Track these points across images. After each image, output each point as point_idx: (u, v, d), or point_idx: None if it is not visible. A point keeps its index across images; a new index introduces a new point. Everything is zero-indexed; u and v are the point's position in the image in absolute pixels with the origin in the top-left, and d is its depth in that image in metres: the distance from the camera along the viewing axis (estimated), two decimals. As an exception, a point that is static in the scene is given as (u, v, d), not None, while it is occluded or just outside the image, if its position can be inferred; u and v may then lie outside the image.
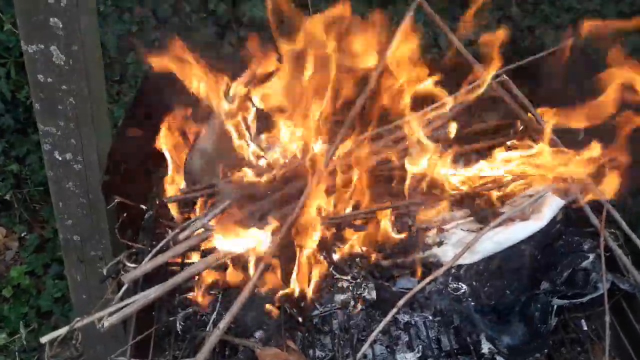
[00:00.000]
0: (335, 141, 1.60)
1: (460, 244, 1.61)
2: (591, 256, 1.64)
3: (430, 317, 1.61)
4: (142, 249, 1.72)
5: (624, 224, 1.75)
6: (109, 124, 2.13)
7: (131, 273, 1.51)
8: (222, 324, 1.44)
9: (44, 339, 1.52)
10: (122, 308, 1.48)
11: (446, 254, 1.62)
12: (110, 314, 1.44)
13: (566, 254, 1.67)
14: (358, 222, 1.66)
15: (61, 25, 1.85)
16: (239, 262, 1.56)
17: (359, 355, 1.53)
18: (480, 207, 1.70)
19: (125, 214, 1.72)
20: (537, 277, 1.61)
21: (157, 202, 1.79)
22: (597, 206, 1.77)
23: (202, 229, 1.60)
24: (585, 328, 1.58)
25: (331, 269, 1.64)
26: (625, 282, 1.62)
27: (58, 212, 2.15)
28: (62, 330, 1.51)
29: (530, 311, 1.56)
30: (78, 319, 1.50)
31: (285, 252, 1.58)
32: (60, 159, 2.03)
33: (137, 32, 3.02)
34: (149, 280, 1.62)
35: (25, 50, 1.89)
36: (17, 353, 2.84)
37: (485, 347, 1.52)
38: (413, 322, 1.61)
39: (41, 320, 3.14)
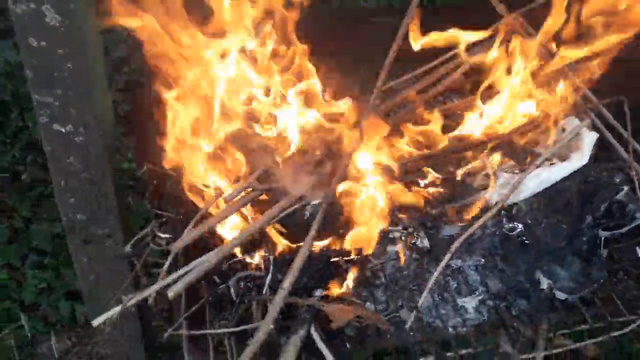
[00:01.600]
0: (375, 88, 1.53)
1: (506, 186, 1.59)
2: (625, 188, 1.66)
3: (483, 261, 1.59)
4: (171, 216, 1.60)
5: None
6: (107, 89, 1.97)
7: (180, 241, 1.40)
8: (286, 283, 1.37)
9: (95, 322, 1.40)
10: (176, 280, 1.37)
11: (493, 196, 1.60)
12: (165, 286, 1.34)
13: (600, 189, 1.69)
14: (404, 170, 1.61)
15: (54, -20, 1.67)
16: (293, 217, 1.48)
17: (420, 302, 1.50)
18: (518, 149, 1.69)
19: (157, 183, 1.59)
20: (582, 211, 1.62)
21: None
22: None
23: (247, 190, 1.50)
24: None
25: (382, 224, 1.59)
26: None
27: (59, 191, 1.98)
28: (114, 311, 1.39)
29: (582, 244, 1.58)
30: (130, 295, 1.38)
31: (336, 207, 1.52)
32: (61, 131, 1.86)
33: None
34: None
35: (12, 10, 1.69)
36: (14, 349, 2.66)
37: (544, 283, 1.53)
38: (466, 267, 1.59)
39: (29, 314, 2.95)
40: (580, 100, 1.83)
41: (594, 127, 1.79)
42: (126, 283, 1.63)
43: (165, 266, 1.44)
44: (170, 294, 1.33)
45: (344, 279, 1.51)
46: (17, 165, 3.24)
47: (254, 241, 1.57)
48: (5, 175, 3.24)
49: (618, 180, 1.70)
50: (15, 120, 3.17)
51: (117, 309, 1.39)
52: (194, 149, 1.64)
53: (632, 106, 1.76)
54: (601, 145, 1.81)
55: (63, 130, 1.86)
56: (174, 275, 1.38)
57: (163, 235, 1.55)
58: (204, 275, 1.38)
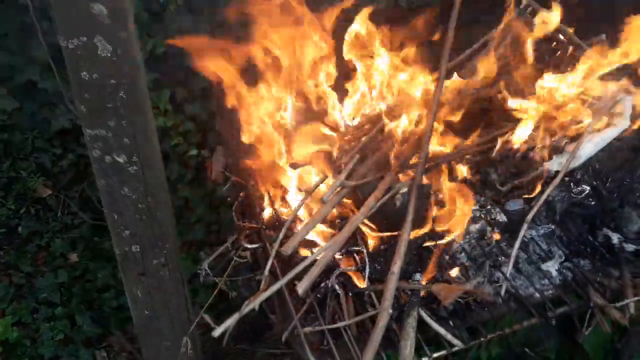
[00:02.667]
0: (439, 77, 1.62)
1: (563, 154, 1.72)
2: (658, 146, 1.83)
3: (553, 227, 1.71)
4: (257, 227, 1.63)
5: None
6: (152, 116, 1.97)
7: (290, 241, 1.43)
8: (395, 269, 1.43)
9: (216, 332, 1.39)
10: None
11: (553, 165, 1.72)
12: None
13: (638, 149, 1.85)
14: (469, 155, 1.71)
15: (106, 12, 1.68)
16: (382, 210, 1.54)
17: (508, 272, 1.59)
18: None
19: (243, 195, 1.61)
20: (630, 169, 1.77)
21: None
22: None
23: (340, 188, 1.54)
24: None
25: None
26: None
27: (113, 225, 1.95)
28: (233, 319, 1.39)
29: (637, 198, 1.72)
30: (247, 302, 1.39)
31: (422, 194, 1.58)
32: (113, 163, 1.84)
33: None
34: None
35: (65, 46, 1.69)
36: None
37: (615, 237, 1.65)
38: (541, 236, 1.70)
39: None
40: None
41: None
42: (209, 300, 1.62)
43: (267, 269, 1.46)
44: (300, 290, 1.36)
45: (437, 262, 1.58)
46: (12, 219, 3.12)
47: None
48: (2, 230, 3.11)
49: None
50: (7, 172, 3.06)
51: (235, 316, 1.39)
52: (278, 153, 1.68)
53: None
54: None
55: (117, 162, 1.85)
56: (284, 280, 1.40)
57: (250, 246, 1.57)
58: (325, 269, 1.41)
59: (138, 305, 2.12)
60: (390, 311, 1.37)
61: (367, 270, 1.53)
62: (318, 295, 1.51)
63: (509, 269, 1.59)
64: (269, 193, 1.67)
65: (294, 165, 1.67)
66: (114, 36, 1.71)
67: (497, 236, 1.67)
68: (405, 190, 1.54)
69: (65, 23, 1.66)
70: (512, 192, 1.73)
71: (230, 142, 1.68)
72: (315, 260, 1.41)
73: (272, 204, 1.66)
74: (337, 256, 1.58)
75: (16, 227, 3.13)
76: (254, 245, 1.58)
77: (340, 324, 1.44)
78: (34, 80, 2.76)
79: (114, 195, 1.90)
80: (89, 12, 1.66)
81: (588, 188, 1.72)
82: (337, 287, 1.50)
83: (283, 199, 1.70)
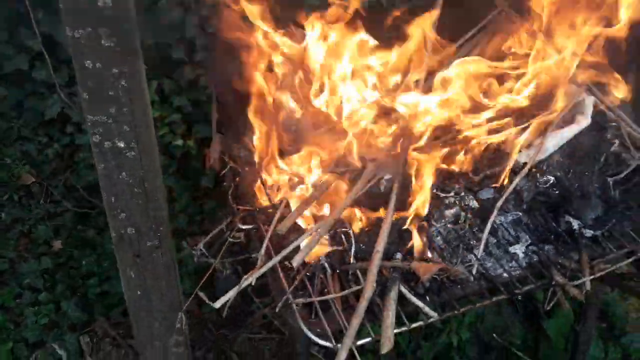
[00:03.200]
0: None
1: (530, 148, 1.90)
2: (616, 142, 2.03)
3: (521, 214, 1.88)
4: (251, 210, 1.75)
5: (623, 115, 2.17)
6: (150, 106, 2.07)
7: (285, 221, 1.56)
8: (379, 247, 1.57)
9: (217, 304, 1.51)
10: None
11: (522, 157, 1.90)
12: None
13: (597, 145, 2.04)
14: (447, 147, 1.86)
15: (110, 4, 1.78)
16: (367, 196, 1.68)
17: (479, 253, 1.75)
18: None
19: (237, 180, 1.73)
20: (590, 163, 1.96)
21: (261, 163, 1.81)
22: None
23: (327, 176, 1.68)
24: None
25: (435, 190, 1.83)
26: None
27: (110, 207, 2.04)
28: (233, 292, 1.51)
29: (596, 189, 1.91)
30: (245, 277, 1.52)
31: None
32: (112, 148, 1.94)
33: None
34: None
35: (71, 36, 1.78)
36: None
37: (575, 224, 1.83)
38: (510, 221, 1.87)
39: (36, 352, 2.90)
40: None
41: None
42: (207, 275, 1.73)
43: (264, 248, 1.58)
44: (294, 263, 1.49)
45: (415, 242, 1.73)
46: (-5, 206, 3.16)
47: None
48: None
49: (609, 135, 2.06)
50: (-13, 159, 3.11)
51: (235, 289, 1.51)
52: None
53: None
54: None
55: (116, 147, 1.94)
56: (278, 257, 1.53)
57: (244, 227, 1.69)
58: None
59: (131, 286, 2.21)
60: (374, 285, 1.51)
61: (353, 249, 1.67)
62: (307, 274, 1.64)
63: (479, 251, 1.76)
64: (262, 179, 1.79)
65: (287, 153, 1.80)
66: (117, 27, 1.81)
67: (470, 221, 1.82)
68: (389, 177, 1.69)
69: (72, 14, 1.76)
70: (484, 181, 1.89)
71: (228, 130, 1.80)
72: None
73: (265, 189, 1.78)
74: (326, 237, 1.71)
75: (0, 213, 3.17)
76: (248, 226, 1.69)
77: (328, 297, 1.58)
78: (23, 69, 2.81)
79: (112, 179, 2.00)
80: (95, 4, 1.76)
81: (552, 178, 1.90)
82: (325, 264, 1.63)
83: (276, 184, 1.82)
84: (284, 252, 1.51)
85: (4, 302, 2.98)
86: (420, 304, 1.56)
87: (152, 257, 2.15)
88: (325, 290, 1.67)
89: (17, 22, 2.75)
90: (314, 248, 1.54)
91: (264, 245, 1.57)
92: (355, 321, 1.43)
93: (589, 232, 1.83)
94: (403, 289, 1.60)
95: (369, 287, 1.49)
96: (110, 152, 1.96)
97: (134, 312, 2.27)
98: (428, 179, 1.75)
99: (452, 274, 1.63)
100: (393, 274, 1.62)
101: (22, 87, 2.94)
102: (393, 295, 1.56)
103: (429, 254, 1.69)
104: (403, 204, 1.74)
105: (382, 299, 1.57)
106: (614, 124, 2.08)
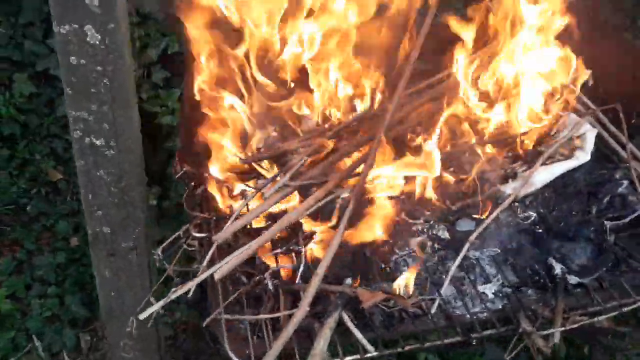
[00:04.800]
0: (394, 95, 1.68)
1: (519, 180, 1.74)
2: (625, 182, 1.83)
3: (499, 250, 1.72)
4: (208, 218, 1.70)
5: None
6: (136, 108, 2.09)
7: (223, 232, 1.50)
8: (320, 270, 1.47)
9: (142, 316, 1.47)
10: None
11: (507, 188, 1.74)
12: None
13: (602, 183, 1.84)
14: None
15: (97, 3, 1.81)
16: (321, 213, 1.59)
17: (443, 290, 1.61)
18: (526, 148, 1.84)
19: (193, 185, 1.69)
20: (587, 203, 1.77)
21: (220, 171, 1.77)
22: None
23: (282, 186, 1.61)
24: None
25: (404, 214, 1.71)
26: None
27: (87, 204, 2.06)
28: (159, 304, 1.46)
29: (589, 232, 1.72)
30: (174, 289, 1.46)
31: (361, 203, 1.63)
32: (92, 145, 1.96)
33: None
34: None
35: (57, 31, 1.83)
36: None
37: (558, 268, 1.65)
38: (485, 257, 1.71)
39: (33, 343, 2.96)
40: (580, 107, 2.01)
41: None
42: (156, 285, 1.70)
43: (207, 259, 1.52)
44: (217, 275, 1.42)
45: (373, 269, 1.62)
46: (22, 197, 3.30)
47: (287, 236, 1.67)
48: (10, 207, 3.29)
49: (618, 176, 1.86)
50: (23, 153, 3.25)
51: (162, 302, 1.46)
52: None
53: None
54: (600, 147, 1.99)
55: (95, 144, 1.97)
56: (215, 267, 1.46)
57: (199, 235, 1.64)
58: (245, 260, 1.47)
59: (105, 286, 2.21)
60: (307, 309, 1.41)
61: (302, 268, 1.58)
62: (252, 289, 1.57)
63: (444, 286, 1.61)
64: (220, 185, 1.75)
65: (245, 160, 1.74)
66: (102, 26, 1.84)
67: (439, 253, 1.69)
68: (346, 195, 1.60)
69: (59, 9, 1.80)
70: (463, 211, 1.75)
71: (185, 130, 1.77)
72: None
73: (222, 196, 1.74)
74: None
75: (25, 205, 3.30)
76: (201, 235, 1.65)
77: (260, 317, 1.49)
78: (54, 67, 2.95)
79: (90, 176, 2.02)
80: (82, 1, 1.80)
81: (534, 215, 1.73)
82: (269, 283, 1.55)
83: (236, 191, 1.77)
84: (215, 267, 1.44)
85: (15, 291, 3.07)
86: (359, 335, 1.44)
87: (127, 258, 2.14)
88: (276, 307, 1.59)
89: (51, 23, 2.88)
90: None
91: (208, 255, 1.51)
92: (278, 343, 1.34)
93: (574, 279, 1.64)
94: (345, 317, 1.49)
95: (300, 312, 1.39)
96: (89, 149, 1.98)
97: (106, 312, 2.26)
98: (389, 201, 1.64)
99: (399, 304, 1.50)
100: (337, 299, 1.52)
101: (54, 85, 3.08)
102: (330, 322, 1.46)
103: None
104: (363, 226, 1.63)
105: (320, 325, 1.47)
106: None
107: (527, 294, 1.66)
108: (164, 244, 1.72)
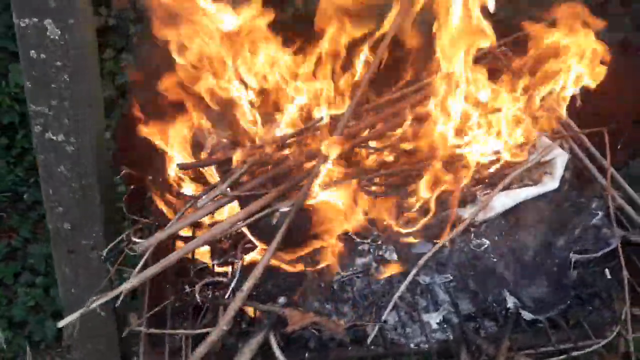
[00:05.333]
0: (348, 109, 1.59)
1: (476, 203, 1.62)
2: (600, 214, 1.68)
3: (451, 277, 1.61)
4: (149, 224, 1.65)
5: (625, 184, 1.81)
6: (102, 106, 2.05)
7: (145, 241, 1.44)
8: (245, 287, 1.39)
9: (60, 324, 1.43)
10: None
11: (465, 212, 1.63)
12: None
13: (576, 213, 1.70)
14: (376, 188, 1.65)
15: (55, -3, 1.78)
16: (258, 226, 1.52)
17: (384, 317, 1.51)
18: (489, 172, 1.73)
19: (131, 187, 1.64)
20: (553, 233, 1.64)
21: (164, 174, 1.71)
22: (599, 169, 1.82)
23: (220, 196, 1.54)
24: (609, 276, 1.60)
25: (351, 233, 1.62)
26: (636, 235, 1.66)
27: (47, 199, 2.04)
28: (77, 314, 1.42)
29: (550, 265, 1.58)
30: (94, 297, 1.41)
31: (303, 218, 1.55)
32: (51, 140, 1.93)
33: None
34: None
35: (17, 24, 1.81)
36: (-4, 363, 2.67)
37: (510, 301, 1.53)
38: (435, 284, 1.60)
39: (15, 331, 2.97)
40: (561, 128, 1.88)
41: (574, 155, 1.82)
42: (99, 288, 1.66)
43: (137, 269, 1.47)
44: (128, 286, 1.37)
45: (309, 289, 1.53)
46: (20, 186, 3.33)
47: (227, 248, 1.60)
48: (7, 194, 3.32)
49: (594, 205, 1.72)
50: (21, 142, 3.28)
51: (80, 311, 1.42)
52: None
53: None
54: (580, 173, 1.85)
55: (55, 139, 1.94)
56: (142, 276, 1.41)
57: (138, 240, 1.59)
58: (161, 273, 1.41)
59: (65, 283, 2.19)
60: (225, 328, 1.34)
61: (234, 283, 1.50)
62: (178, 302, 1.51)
63: (386, 312, 1.51)
64: (164, 189, 1.69)
65: (183, 166, 1.68)
66: (62, 21, 1.81)
67: (383, 274, 1.59)
68: (286, 210, 1.51)
69: (19, 2, 1.78)
70: (417, 233, 1.64)
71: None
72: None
73: (162, 201, 1.68)
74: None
75: (22, 194, 3.33)
76: (141, 240, 1.59)
77: (180, 332, 1.43)
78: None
79: (50, 171, 1.99)
80: (41, -5, 1.77)
81: (487, 243, 1.60)
82: (197, 297, 1.49)
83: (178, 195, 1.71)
84: (134, 280, 1.39)
85: (4, 277, 3.10)
86: (281, 358, 1.36)
87: (87, 256, 2.12)
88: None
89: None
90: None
91: (140, 264, 1.46)
92: (189, 362, 1.27)
93: (528, 315, 1.51)
94: (272, 339, 1.40)
95: (216, 331, 1.32)
96: (49, 144, 1.95)
97: (67, 310, 2.24)
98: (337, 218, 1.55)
99: (325, 328, 1.41)
100: (265, 320, 1.44)
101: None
102: (252, 343, 1.38)
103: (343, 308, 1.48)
104: (299, 244, 1.55)
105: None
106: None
107: (475, 326, 1.53)
108: (109, 247, 1.67)
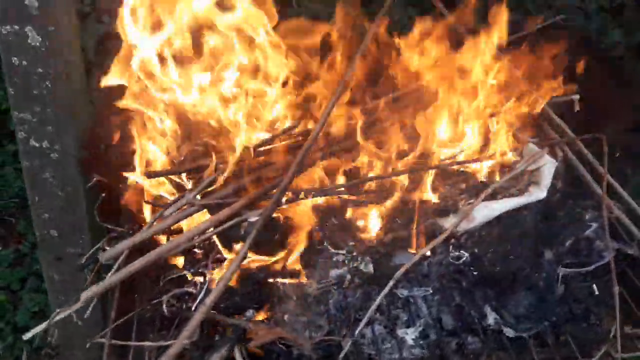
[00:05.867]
0: (324, 113, 1.53)
1: (458, 213, 1.54)
2: (594, 225, 1.58)
3: (431, 291, 1.53)
4: (124, 232, 1.62)
5: (625, 194, 1.70)
6: (88, 113, 2.04)
7: (110, 250, 1.41)
8: (208, 300, 1.35)
9: (25, 336, 1.41)
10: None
11: (446, 223, 1.55)
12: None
13: (568, 224, 1.61)
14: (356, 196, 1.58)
15: (37, 5, 1.77)
16: (226, 236, 1.47)
17: (357, 333, 1.44)
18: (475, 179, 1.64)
19: (104, 196, 1.62)
20: (541, 246, 1.54)
21: (137, 182, 1.68)
22: (596, 178, 1.72)
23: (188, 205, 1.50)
24: (597, 292, 1.50)
25: (326, 243, 1.56)
26: (631, 248, 1.56)
27: (34, 206, 2.04)
28: (42, 326, 1.40)
29: (536, 279, 1.49)
30: (58, 310, 1.39)
31: (275, 227, 1.50)
32: (36, 147, 1.93)
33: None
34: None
35: (-1, 31, 1.80)
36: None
37: (491, 317, 1.44)
38: (413, 297, 1.52)
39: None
40: (556, 135, 1.78)
41: (569, 163, 1.73)
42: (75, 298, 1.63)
43: (109, 275, 1.44)
44: (88, 294, 1.34)
45: (280, 301, 1.47)
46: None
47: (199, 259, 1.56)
48: (15, 200, 3.36)
49: (588, 216, 1.62)
50: (29, 149, 3.30)
51: (45, 324, 1.40)
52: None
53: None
54: (576, 182, 1.75)
55: (39, 146, 1.93)
56: (101, 285, 1.38)
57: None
58: (122, 281, 1.38)
59: (54, 290, 2.19)
60: (186, 341, 1.29)
61: (202, 295, 1.46)
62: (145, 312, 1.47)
63: (360, 326, 1.44)
64: (138, 197, 1.66)
65: (151, 174, 1.64)
66: (43, 28, 1.81)
67: (360, 288, 1.52)
68: (255, 219, 1.46)
69: (0, 9, 1.78)
70: (397, 243, 1.57)
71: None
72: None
73: (134, 211, 1.65)
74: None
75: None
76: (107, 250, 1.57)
77: (144, 344, 1.39)
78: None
79: (36, 178, 1.99)
80: (22, 2, 1.77)
81: (466, 255, 1.51)
82: (164, 307, 1.45)
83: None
84: (98, 287, 1.36)
85: (10, 284, 3.12)
86: (246, 375, 1.31)
87: (74, 264, 2.10)
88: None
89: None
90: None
91: (111, 272, 1.43)
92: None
93: (510, 332, 1.42)
94: (237, 353, 1.35)
95: (177, 343, 1.27)
96: (34, 151, 1.95)
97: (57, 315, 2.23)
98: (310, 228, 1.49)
99: (294, 344, 1.35)
100: (231, 333, 1.39)
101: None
102: (215, 358, 1.33)
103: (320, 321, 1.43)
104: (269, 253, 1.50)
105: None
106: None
107: (467, 342, 1.45)
108: (86, 256, 1.65)
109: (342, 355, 1.42)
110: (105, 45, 3.01)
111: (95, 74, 2.77)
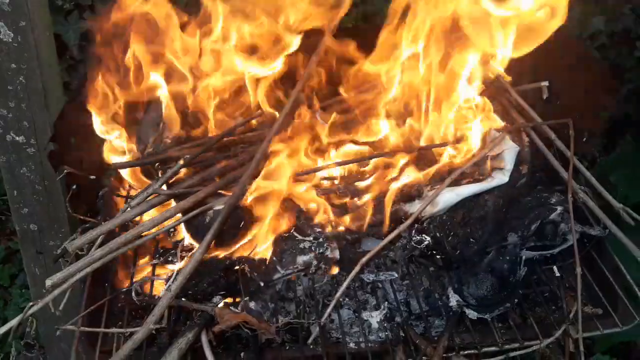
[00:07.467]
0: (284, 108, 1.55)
1: (423, 198, 1.56)
2: (559, 208, 1.60)
3: (397, 275, 1.55)
4: (96, 223, 1.64)
5: (593, 179, 1.71)
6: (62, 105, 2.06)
7: (77, 240, 1.43)
8: (174, 287, 1.37)
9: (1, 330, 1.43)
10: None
11: (412, 208, 1.57)
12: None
13: (534, 208, 1.62)
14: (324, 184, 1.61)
15: (7, 0, 1.79)
16: (192, 224, 1.49)
17: (324, 317, 1.46)
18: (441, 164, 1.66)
19: (76, 187, 1.64)
20: (505, 229, 1.56)
21: (107, 172, 1.70)
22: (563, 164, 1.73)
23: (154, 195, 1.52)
24: (558, 274, 1.52)
25: (292, 230, 1.58)
26: (595, 229, 1.58)
27: (12, 201, 2.06)
28: (16, 320, 1.42)
29: (499, 263, 1.51)
30: (31, 303, 1.42)
31: (240, 214, 1.52)
32: (14, 141, 1.95)
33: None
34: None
35: (-31, 27, 1.83)
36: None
37: (453, 300, 1.46)
38: (379, 282, 1.54)
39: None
40: (522, 120, 1.80)
41: (535, 147, 1.74)
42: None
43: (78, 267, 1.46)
44: (47, 282, 1.37)
45: (246, 287, 1.50)
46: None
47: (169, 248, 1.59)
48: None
49: (554, 200, 1.63)
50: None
51: (19, 318, 1.42)
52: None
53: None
54: (544, 167, 1.77)
55: (16, 141, 1.96)
56: (65, 273, 1.41)
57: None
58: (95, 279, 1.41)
59: (36, 284, 2.22)
60: (152, 326, 1.32)
61: (170, 282, 1.48)
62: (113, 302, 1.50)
63: (327, 311, 1.46)
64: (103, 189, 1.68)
65: (117, 165, 1.66)
66: (14, 24, 1.83)
67: (325, 275, 1.54)
68: (220, 207, 1.48)
69: (-32, 5, 1.80)
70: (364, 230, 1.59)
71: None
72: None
73: (110, 202, 1.67)
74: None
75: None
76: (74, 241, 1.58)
77: (113, 330, 1.42)
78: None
79: (14, 173, 2.01)
80: (-8, -3, 1.79)
81: (428, 239, 1.53)
82: (134, 296, 1.47)
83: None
84: (62, 273, 1.38)
85: (1, 279, 3.15)
86: (211, 359, 1.34)
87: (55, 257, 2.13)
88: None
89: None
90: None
91: (83, 262, 1.45)
92: (113, 360, 1.26)
93: (473, 314, 1.45)
94: (203, 339, 1.38)
95: (143, 329, 1.30)
96: (11, 146, 1.97)
97: (41, 310, 2.26)
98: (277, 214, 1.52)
99: (258, 328, 1.37)
100: (197, 319, 1.41)
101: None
102: (180, 342, 1.36)
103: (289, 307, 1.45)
104: (233, 241, 1.52)
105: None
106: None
107: (434, 325, 1.48)
108: (61, 247, 1.67)
109: (311, 339, 1.44)
110: (88, 41, 3.03)
111: (79, 69, 2.81)
